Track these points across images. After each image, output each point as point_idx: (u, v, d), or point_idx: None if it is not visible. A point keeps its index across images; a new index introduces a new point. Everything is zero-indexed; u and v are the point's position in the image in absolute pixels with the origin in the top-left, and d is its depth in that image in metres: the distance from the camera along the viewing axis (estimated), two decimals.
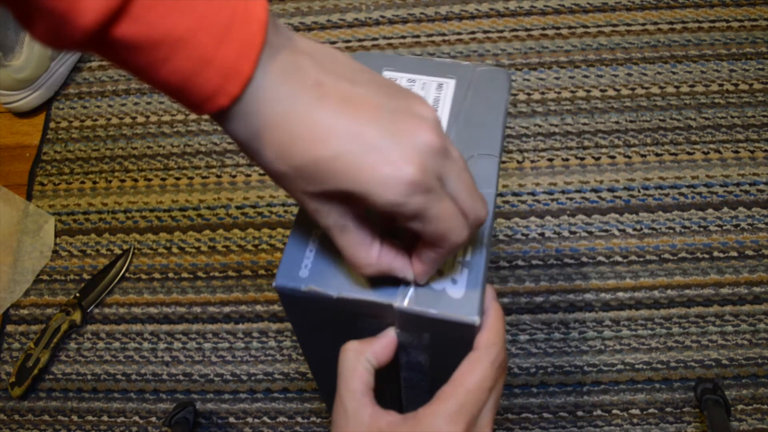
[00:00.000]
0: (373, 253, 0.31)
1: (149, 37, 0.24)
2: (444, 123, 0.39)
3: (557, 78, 0.81)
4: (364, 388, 0.32)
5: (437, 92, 0.41)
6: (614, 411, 0.66)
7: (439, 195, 0.28)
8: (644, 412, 0.66)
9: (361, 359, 0.32)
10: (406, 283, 0.33)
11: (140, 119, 0.85)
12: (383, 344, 0.33)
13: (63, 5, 0.22)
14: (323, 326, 0.37)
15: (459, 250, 0.31)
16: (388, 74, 0.42)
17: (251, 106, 0.27)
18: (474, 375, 0.31)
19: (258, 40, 0.26)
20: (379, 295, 0.33)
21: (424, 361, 0.37)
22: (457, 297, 0.32)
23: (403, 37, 0.86)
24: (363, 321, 0.35)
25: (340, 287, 0.33)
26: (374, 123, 0.27)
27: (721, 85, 0.79)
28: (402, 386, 0.40)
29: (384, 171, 0.26)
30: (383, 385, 0.34)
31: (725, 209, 0.73)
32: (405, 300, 0.32)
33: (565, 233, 0.73)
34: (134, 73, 0.26)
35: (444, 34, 0.86)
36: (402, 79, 0.41)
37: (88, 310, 0.74)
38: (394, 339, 0.34)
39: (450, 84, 0.41)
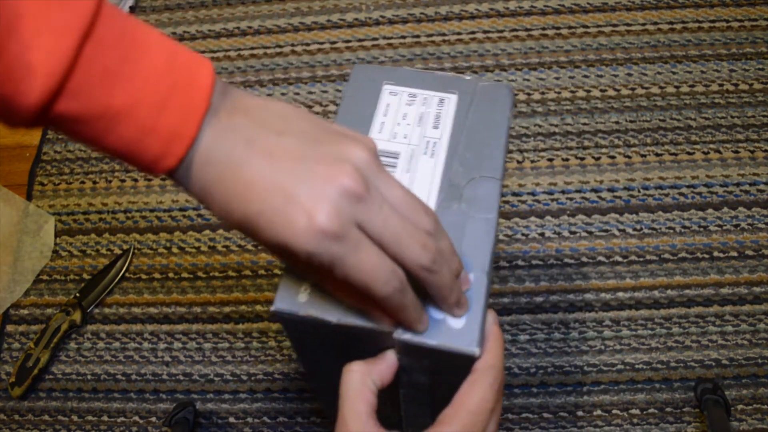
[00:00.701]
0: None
1: (89, 112, 0.26)
2: (445, 141, 0.39)
3: (557, 78, 0.81)
4: (369, 410, 0.32)
5: (439, 108, 0.40)
6: (614, 411, 0.66)
7: (356, 243, 0.27)
8: (644, 412, 0.66)
9: (366, 381, 0.32)
10: None
11: None
12: (386, 366, 0.33)
13: (7, 90, 0.25)
14: (323, 347, 0.37)
15: (403, 301, 0.29)
16: (388, 88, 0.41)
17: (197, 166, 0.28)
18: (475, 397, 0.31)
19: (201, 106, 0.28)
20: (376, 323, 0.33)
21: (424, 381, 0.36)
22: (457, 327, 0.32)
23: (403, 37, 0.86)
24: (363, 344, 0.34)
25: (339, 313, 0.33)
26: (292, 173, 0.27)
27: (721, 85, 0.79)
28: (402, 401, 0.40)
29: (298, 222, 0.27)
30: (385, 398, 0.34)
31: (725, 209, 0.73)
32: (405, 330, 0.32)
33: (565, 233, 0.73)
34: (84, 142, 0.28)
35: (444, 34, 0.86)
36: (403, 93, 0.41)
37: (88, 310, 0.74)
38: (395, 361, 0.34)
39: (452, 99, 0.40)
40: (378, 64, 0.42)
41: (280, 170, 0.28)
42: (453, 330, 0.32)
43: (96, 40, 0.26)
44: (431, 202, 0.37)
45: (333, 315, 0.33)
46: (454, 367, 0.33)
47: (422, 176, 0.38)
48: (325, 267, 0.28)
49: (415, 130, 0.39)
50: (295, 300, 0.33)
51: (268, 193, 0.27)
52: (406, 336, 0.32)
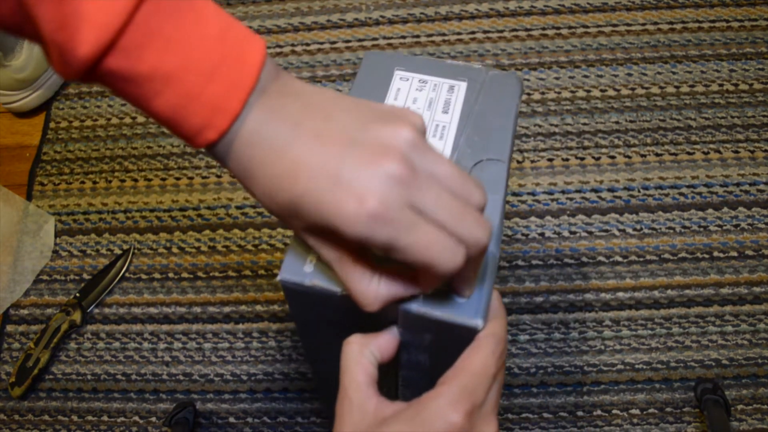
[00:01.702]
0: (372, 287, 0.31)
1: (139, 72, 0.27)
2: (454, 125, 0.39)
3: (557, 78, 0.81)
4: (369, 380, 0.32)
5: (448, 94, 0.41)
6: (614, 411, 0.66)
7: (410, 224, 0.27)
8: (644, 412, 0.66)
9: (365, 352, 0.32)
10: None
11: (140, 119, 0.85)
12: (387, 339, 0.33)
13: (63, 38, 0.25)
14: (326, 322, 0.37)
15: (457, 272, 0.29)
16: (399, 73, 0.42)
17: (240, 144, 0.29)
18: (477, 360, 0.31)
19: (248, 82, 0.28)
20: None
21: (424, 361, 0.37)
22: (462, 300, 0.32)
23: (403, 37, 0.86)
24: (366, 318, 0.35)
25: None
26: (340, 156, 0.27)
27: (721, 85, 0.79)
28: (400, 385, 0.40)
29: (347, 206, 0.27)
30: (382, 380, 0.34)
31: (725, 209, 0.73)
32: (410, 301, 0.32)
33: (565, 233, 0.73)
34: (133, 103, 0.28)
35: (444, 34, 0.86)
36: (413, 79, 0.42)
37: (88, 310, 0.74)
38: (397, 336, 0.34)
39: (462, 87, 0.41)
40: (389, 51, 0.42)
41: (328, 153, 0.28)
42: (458, 302, 0.32)
43: (153, 1, 0.26)
44: None
45: (338, 285, 0.33)
46: (456, 342, 0.33)
47: None
48: (381, 249, 0.28)
49: (424, 114, 0.40)
50: (301, 270, 0.34)
51: (315, 175, 0.27)
52: (412, 306, 0.32)
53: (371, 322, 0.34)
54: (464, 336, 0.32)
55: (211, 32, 0.28)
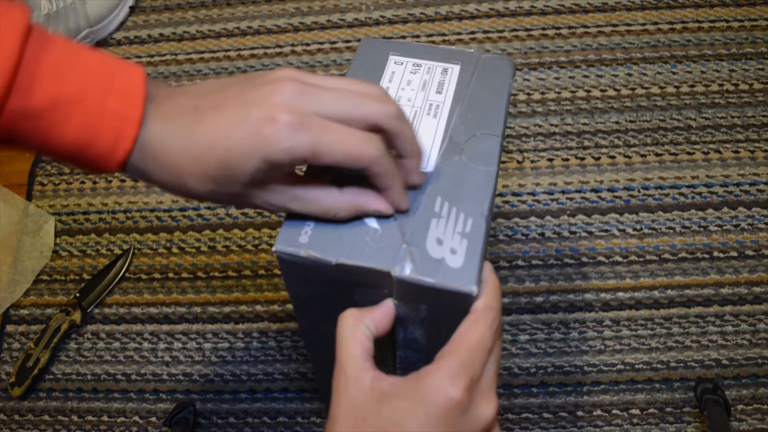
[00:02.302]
0: (333, 195, 0.34)
1: (43, 103, 0.29)
2: (448, 104, 0.40)
3: (557, 78, 0.81)
4: (365, 354, 0.32)
5: (442, 76, 0.42)
6: (614, 411, 0.66)
7: (322, 126, 0.30)
8: (644, 412, 0.66)
9: (360, 325, 0.33)
10: (404, 253, 0.33)
11: None
12: (382, 313, 0.34)
13: None
14: (321, 296, 0.38)
15: (391, 164, 0.32)
16: (393, 58, 0.43)
17: (154, 148, 0.31)
18: (474, 334, 0.32)
19: (139, 90, 0.31)
20: (378, 262, 0.33)
21: (420, 338, 0.37)
22: (455, 267, 0.33)
23: (403, 37, 0.86)
24: (361, 291, 0.35)
25: (339, 253, 0.34)
26: (241, 107, 0.31)
27: (721, 85, 0.79)
28: (397, 367, 0.40)
29: (264, 131, 0.30)
30: (378, 363, 0.34)
31: (725, 209, 0.73)
32: (404, 268, 0.33)
33: (565, 233, 0.73)
34: (42, 144, 0.30)
35: (444, 34, 0.86)
36: (408, 63, 0.42)
37: (88, 310, 0.74)
38: (393, 309, 0.34)
39: (455, 69, 0.42)
40: (383, 39, 0.44)
41: (231, 111, 0.31)
42: (451, 269, 0.33)
43: (36, 39, 0.29)
44: (433, 156, 0.38)
45: (332, 255, 0.34)
46: (451, 312, 0.33)
47: (425, 134, 0.39)
48: (308, 158, 0.30)
49: (419, 95, 0.41)
50: (296, 241, 0.34)
51: (228, 131, 0.30)
52: (405, 273, 0.33)
53: (366, 296, 0.35)
54: (460, 304, 0.33)
55: (92, 59, 0.30)
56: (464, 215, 0.35)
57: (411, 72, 0.42)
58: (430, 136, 0.39)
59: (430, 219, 0.35)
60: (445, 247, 0.33)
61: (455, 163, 0.38)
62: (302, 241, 0.34)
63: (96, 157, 0.31)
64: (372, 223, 0.35)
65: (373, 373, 0.31)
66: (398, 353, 0.39)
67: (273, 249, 0.34)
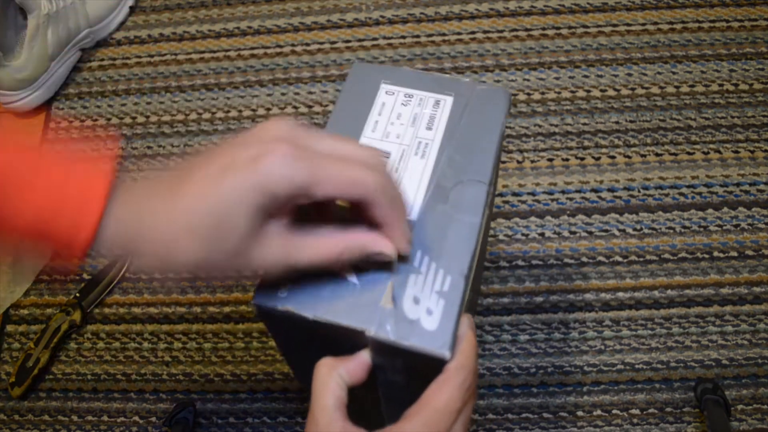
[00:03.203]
0: (335, 237, 0.32)
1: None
2: (437, 143, 0.39)
3: (557, 78, 0.81)
4: (337, 403, 0.32)
5: (434, 109, 0.40)
6: (614, 411, 0.66)
7: (321, 158, 0.29)
8: (644, 412, 0.66)
9: (333, 375, 0.32)
10: (380, 312, 0.33)
11: (140, 119, 0.85)
12: (357, 363, 0.33)
13: None
14: (302, 342, 0.38)
15: (391, 196, 0.31)
16: (385, 87, 0.41)
17: (134, 225, 0.30)
18: (441, 395, 0.31)
19: (106, 174, 0.30)
20: (354, 320, 0.33)
21: (400, 380, 0.36)
22: (430, 329, 0.32)
23: (403, 37, 0.86)
24: (340, 342, 0.35)
25: (316, 309, 0.33)
26: (229, 155, 0.29)
27: (721, 85, 0.79)
28: (381, 400, 0.40)
29: (259, 165, 0.28)
30: (365, 397, 0.34)
31: (725, 209, 0.73)
32: (378, 328, 0.32)
33: (565, 233, 0.73)
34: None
35: (444, 34, 0.86)
36: (399, 93, 0.41)
37: (88, 310, 0.74)
38: (368, 361, 0.34)
39: (447, 101, 0.41)
40: (377, 63, 0.42)
41: (218, 162, 0.29)
42: (425, 331, 0.32)
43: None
44: (417, 203, 0.37)
45: (310, 310, 0.33)
46: (426, 368, 0.33)
47: (411, 176, 0.38)
48: (308, 188, 0.29)
49: (408, 131, 0.40)
50: (275, 294, 0.34)
51: (218, 177, 0.28)
52: (380, 334, 0.32)
53: (347, 344, 0.34)
54: (433, 365, 0.32)
55: (55, 177, 0.30)
56: (443, 272, 0.34)
57: (402, 104, 0.41)
58: (416, 180, 0.38)
59: (409, 275, 0.34)
60: (422, 307, 0.33)
61: (439, 212, 0.36)
62: (281, 295, 0.34)
63: (64, 226, 0.30)
64: (351, 277, 0.34)
65: (342, 424, 0.31)
66: (380, 390, 0.39)
67: (252, 302, 0.34)
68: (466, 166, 0.38)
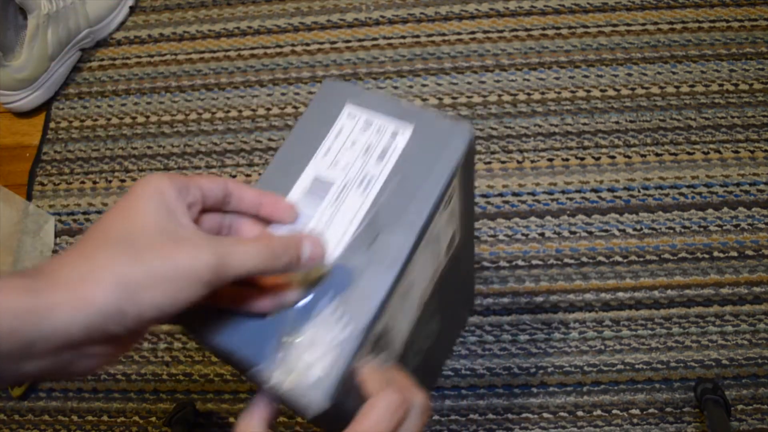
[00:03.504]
0: (265, 237, 0.33)
1: None
2: (383, 178, 0.38)
3: (557, 78, 0.81)
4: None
5: (390, 140, 0.39)
6: (614, 411, 0.66)
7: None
8: (644, 412, 0.66)
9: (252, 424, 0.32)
10: (273, 350, 0.33)
11: (140, 119, 0.85)
12: (260, 410, 0.33)
13: None
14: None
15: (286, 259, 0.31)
16: (348, 108, 0.41)
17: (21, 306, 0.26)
18: (367, 421, 0.31)
19: None
20: (248, 353, 0.33)
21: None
22: (313, 377, 0.32)
23: (403, 37, 0.86)
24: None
25: (216, 333, 0.34)
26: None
27: (721, 85, 0.79)
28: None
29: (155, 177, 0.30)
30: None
31: (725, 209, 0.73)
32: (266, 367, 0.32)
33: (565, 233, 0.73)
34: None
35: (444, 34, 0.86)
36: (360, 118, 0.40)
37: None
38: (266, 402, 0.33)
39: (406, 133, 0.39)
40: (348, 82, 0.41)
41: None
42: (309, 379, 0.32)
43: None
44: (344, 241, 0.36)
45: (211, 334, 0.34)
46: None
47: (346, 211, 0.37)
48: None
49: (357, 161, 0.39)
50: (187, 314, 0.33)
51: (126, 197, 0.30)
52: (264, 372, 0.32)
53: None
54: (308, 413, 0.32)
55: None
56: (346, 321, 0.33)
57: (360, 129, 0.40)
58: (350, 215, 0.37)
59: (311, 317, 0.34)
60: (315, 352, 0.33)
61: (360, 255, 0.35)
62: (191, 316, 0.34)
63: None
64: (298, 296, 0.34)
65: None
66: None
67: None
68: (401, 210, 0.36)
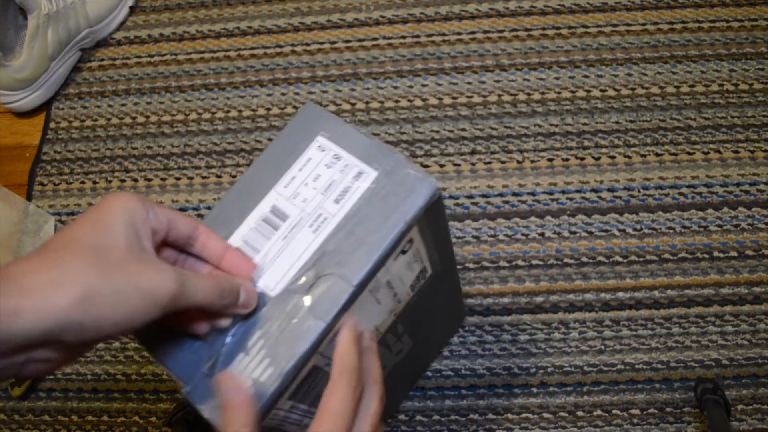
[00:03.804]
0: (218, 275, 0.36)
1: None
2: (337, 220, 0.37)
3: (557, 78, 0.81)
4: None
5: (351, 182, 0.38)
6: (614, 411, 0.66)
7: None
8: (644, 412, 0.66)
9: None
10: (201, 376, 0.34)
11: (140, 119, 0.85)
12: (242, 413, 0.33)
13: None
14: None
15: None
16: (319, 140, 0.40)
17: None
18: (334, 400, 0.33)
19: None
20: (181, 373, 0.35)
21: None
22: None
23: (403, 37, 0.86)
24: None
25: (158, 348, 0.35)
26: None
27: (721, 85, 0.79)
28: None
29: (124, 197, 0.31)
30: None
31: (725, 209, 0.73)
32: (191, 389, 0.34)
33: (565, 233, 0.73)
34: None
35: (444, 34, 0.86)
36: (329, 152, 0.40)
37: None
38: (247, 400, 0.34)
39: (369, 177, 0.38)
40: (325, 110, 0.40)
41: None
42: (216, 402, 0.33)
43: None
44: (283, 282, 0.36)
45: (156, 348, 0.35)
46: None
47: (294, 249, 0.37)
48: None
49: (316, 198, 0.38)
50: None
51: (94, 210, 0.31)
52: (189, 394, 0.34)
53: None
54: None
55: None
56: (267, 363, 0.34)
57: (326, 165, 0.39)
58: (296, 254, 0.36)
59: (239, 352, 0.34)
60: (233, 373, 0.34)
61: (295, 300, 0.35)
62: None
63: None
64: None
65: None
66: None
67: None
68: (347, 256, 0.36)
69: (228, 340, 0.35)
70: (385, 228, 0.36)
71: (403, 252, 0.38)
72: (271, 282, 0.36)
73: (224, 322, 0.35)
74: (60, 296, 0.26)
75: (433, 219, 0.39)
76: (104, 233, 0.29)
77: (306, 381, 0.36)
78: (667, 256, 0.71)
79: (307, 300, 0.35)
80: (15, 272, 0.27)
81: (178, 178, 0.81)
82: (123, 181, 0.82)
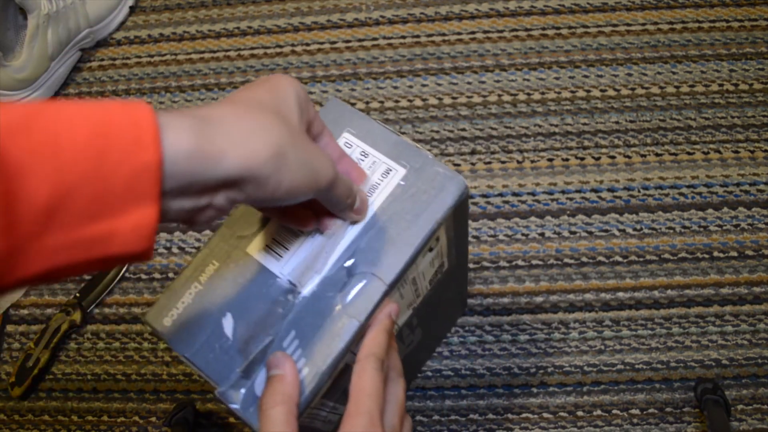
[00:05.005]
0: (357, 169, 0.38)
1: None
2: (365, 219, 0.37)
3: (557, 78, 0.81)
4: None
5: (381, 178, 0.38)
6: (614, 411, 0.66)
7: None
8: (644, 412, 0.66)
9: (291, 420, 0.33)
10: (236, 377, 0.35)
11: None
12: (288, 389, 0.33)
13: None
14: None
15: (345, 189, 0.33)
16: (346, 136, 0.39)
17: (197, 135, 0.26)
18: (366, 381, 0.33)
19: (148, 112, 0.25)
20: (213, 373, 0.35)
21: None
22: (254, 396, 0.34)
23: (403, 37, 0.86)
24: None
25: (188, 349, 0.36)
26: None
27: (721, 85, 0.79)
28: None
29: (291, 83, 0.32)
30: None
31: (725, 209, 0.73)
32: (226, 391, 0.35)
33: (565, 233, 0.73)
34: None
35: (444, 34, 0.86)
36: (357, 148, 0.39)
37: (88, 310, 0.74)
38: (294, 374, 0.34)
39: (398, 173, 0.38)
40: (352, 107, 0.40)
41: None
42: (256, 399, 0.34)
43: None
44: (315, 280, 0.36)
45: (183, 348, 0.36)
46: None
47: (325, 248, 0.36)
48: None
49: None
50: (161, 320, 0.36)
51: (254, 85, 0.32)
52: (225, 397, 0.35)
53: None
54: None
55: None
56: (303, 362, 0.34)
57: (355, 161, 0.39)
58: (328, 252, 0.36)
59: (274, 351, 0.34)
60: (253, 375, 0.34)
61: (328, 299, 0.35)
62: (165, 323, 0.36)
63: (121, 153, 0.24)
64: (228, 329, 0.35)
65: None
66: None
67: (143, 318, 0.36)
68: (379, 256, 0.36)
69: (267, 340, 0.35)
70: (417, 227, 0.36)
71: (430, 249, 0.38)
72: (303, 279, 0.36)
73: (331, 225, 0.36)
74: (260, 147, 0.27)
75: (459, 216, 0.39)
76: (283, 104, 0.30)
77: (338, 378, 0.36)
78: (667, 256, 0.71)
79: (341, 298, 0.35)
80: (214, 117, 0.27)
81: None
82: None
